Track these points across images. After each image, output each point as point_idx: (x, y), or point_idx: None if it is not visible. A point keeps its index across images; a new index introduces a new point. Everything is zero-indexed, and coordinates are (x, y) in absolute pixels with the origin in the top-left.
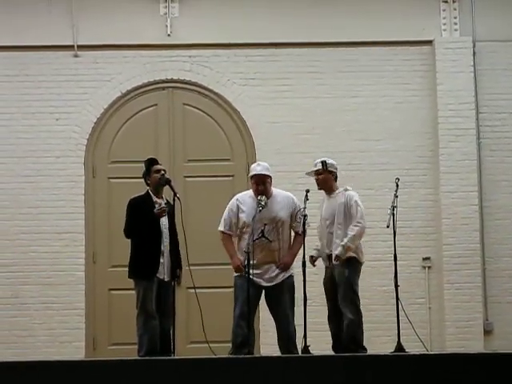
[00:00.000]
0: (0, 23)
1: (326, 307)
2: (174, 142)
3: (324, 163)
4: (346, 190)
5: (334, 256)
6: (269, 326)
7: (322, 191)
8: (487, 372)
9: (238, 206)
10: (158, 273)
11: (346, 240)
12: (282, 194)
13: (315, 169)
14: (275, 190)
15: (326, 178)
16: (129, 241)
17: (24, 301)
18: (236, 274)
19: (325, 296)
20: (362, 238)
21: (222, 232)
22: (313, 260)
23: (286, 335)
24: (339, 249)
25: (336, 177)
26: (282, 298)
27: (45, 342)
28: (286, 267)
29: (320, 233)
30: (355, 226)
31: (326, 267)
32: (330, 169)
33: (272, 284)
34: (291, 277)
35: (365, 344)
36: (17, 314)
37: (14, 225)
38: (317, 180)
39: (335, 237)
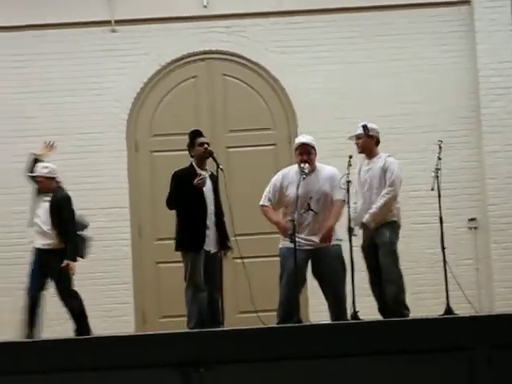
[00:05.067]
0: (36, 2)
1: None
2: (215, 113)
3: (365, 127)
4: (388, 156)
5: (362, 220)
6: (318, 294)
7: (362, 156)
8: None
9: (282, 181)
10: (204, 245)
11: (373, 209)
12: (327, 169)
13: (357, 133)
14: (319, 165)
15: (366, 142)
16: (174, 213)
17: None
18: (281, 246)
19: (364, 261)
20: (392, 205)
21: (262, 205)
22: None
23: (335, 301)
24: (366, 216)
25: (377, 141)
26: (331, 264)
27: (94, 318)
28: (328, 230)
29: (358, 197)
30: (385, 194)
31: (364, 232)
32: (370, 133)
33: (320, 245)
34: (339, 246)
35: (413, 307)
36: None
37: None
38: (357, 144)
39: (372, 202)
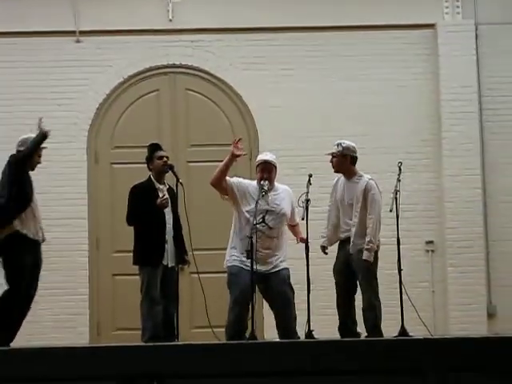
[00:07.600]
0: (1, 9)
1: (335, 292)
2: (177, 127)
3: (339, 145)
4: (370, 179)
5: (363, 257)
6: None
7: (336, 174)
8: (490, 355)
9: (248, 187)
10: (162, 259)
11: (368, 244)
12: (282, 187)
13: (331, 151)
14: (276, 184)
15: (339, 162)
16: (132, 226)
17: None
18: (230, 264)
19: (334, 282)
20: (379, 230)
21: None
22: (324, 249)
23: (285, 324)
24: (366, 253)
25: (354, 160)
26: (280, 287)
27: (50, 328)
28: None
29: (334, 216)
30: (371, 223)
31: (339, 252)
32: (344, 152)
33: (269, 271)
34: (287, 269)
35: None
36: None
37: None
38: (331, 162)
39: (352, 224)
